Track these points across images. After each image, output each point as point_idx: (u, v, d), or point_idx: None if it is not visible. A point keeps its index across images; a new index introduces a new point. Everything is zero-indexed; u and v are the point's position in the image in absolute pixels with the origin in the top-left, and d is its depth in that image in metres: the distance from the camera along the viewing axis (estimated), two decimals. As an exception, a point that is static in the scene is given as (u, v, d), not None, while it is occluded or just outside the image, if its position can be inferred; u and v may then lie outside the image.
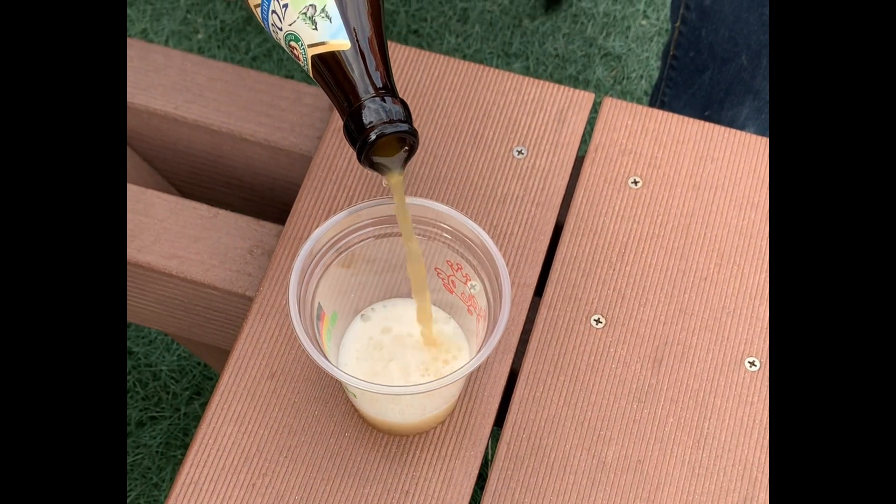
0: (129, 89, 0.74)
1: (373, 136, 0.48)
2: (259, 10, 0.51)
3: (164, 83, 0.74)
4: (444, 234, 0.55)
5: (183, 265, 0.67)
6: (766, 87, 0.89)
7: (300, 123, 0.72)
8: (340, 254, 0.55)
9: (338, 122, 0.68)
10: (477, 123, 0.68)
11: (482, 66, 0.70)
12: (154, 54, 0.76)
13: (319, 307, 0.55)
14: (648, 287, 0.62)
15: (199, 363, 1.08)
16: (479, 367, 0.60)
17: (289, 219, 0.65)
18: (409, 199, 0.54)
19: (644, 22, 1.27)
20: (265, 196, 0.78)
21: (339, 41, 0.48)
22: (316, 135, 0.72)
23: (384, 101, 0.48)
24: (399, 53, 0.71)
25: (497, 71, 0.70)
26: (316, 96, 0.73)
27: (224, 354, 0.73)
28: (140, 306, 0.72)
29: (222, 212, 0.69)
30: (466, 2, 1.29)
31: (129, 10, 1.30)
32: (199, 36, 1.29)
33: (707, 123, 0.66)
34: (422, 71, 0.70)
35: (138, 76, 0.75)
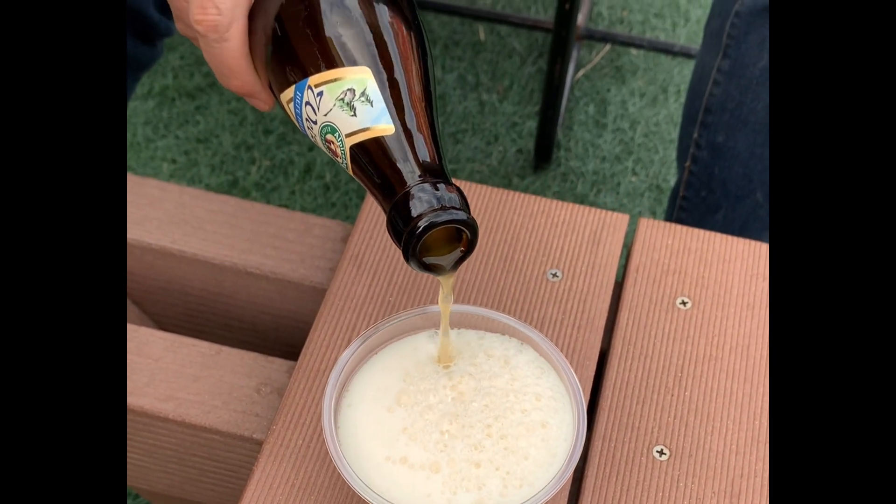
0: (121, 223, 0.68)
1: (421, 226, 0.42)
2: (292, 105, 0.46)
3: (160, 217, 0.69)
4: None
5: (180, 407, 0.59)
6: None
7: (310, 255, 0.67)
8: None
9: (353, 249, 0.63)
10: (506, 247, 0.63)
11: (506, 191, 0.66)
12: (149, 188, 0.71)
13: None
14: (714, 413, 0.55)
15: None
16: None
17: (303, 351, 0.59)
18: (475, 309, 0.48)
19: (633, 178, 1.27)
20: (268, 336, 0.71)
21: (382, 125, 0.43)
22: (328, 266, 0.66)
23: (436, 187, 0.42)
24: (417, 179, 0.66)
25: (522, 195, 0.66)
26: (326, 227, 0.68)
27: (220, 516, 0.64)
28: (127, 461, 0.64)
29: (225, 348, 0.62)
30: (455, 163, 1.28)
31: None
32: (180, 199, 1.24)
33: (753, 241, 0.62)
34: (442, 196, 0.66)
35: (131, 210, 0.69)
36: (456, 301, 0.60)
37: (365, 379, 0.49)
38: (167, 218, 0.69)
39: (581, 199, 1.24)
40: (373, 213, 0.65)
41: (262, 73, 0.47)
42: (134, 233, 0.68)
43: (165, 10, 0.78)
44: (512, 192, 0.66)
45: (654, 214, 1.23)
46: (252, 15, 0.47)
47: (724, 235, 0.63)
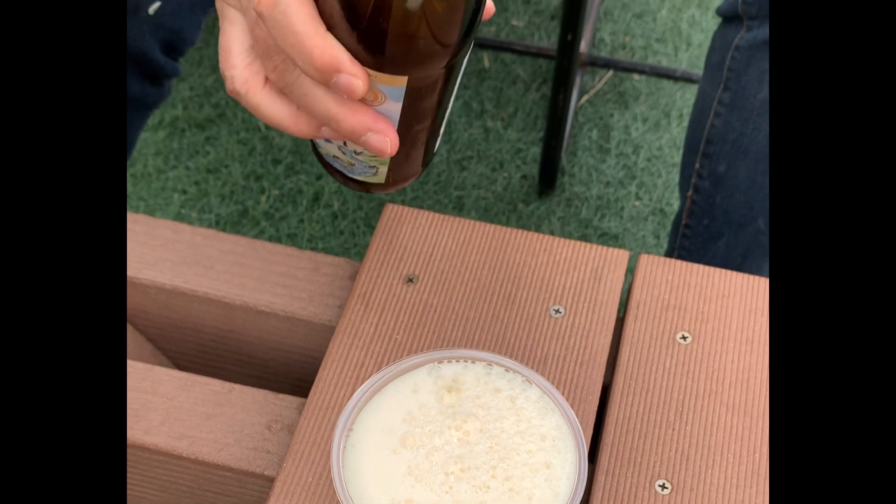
0: (134, 265, 0.70)
1: None
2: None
3: (173, 258, 0.71)
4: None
5: (194, 445, 0.61)
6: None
7: (319, 293, 0.69)
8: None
9: (361, 288, 0.65)
10: (508, 285, 0.65)
11: (509, 229, 0.67)
12: (161, 229, 0.72)
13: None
14: (714, 447, 0.56)
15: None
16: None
17: (313, 388, 0.60)
18: (475, 353, 0.49)
19: (637, 203, 1.28)
20: (279, 372, 0.73)
21: None
22: (337, 304, 0.68)
23: None
24: (422, 219, 0.68)
25: (525, 232, 0.67)
26: (334, 265, 0.70)
27: (234, 550, 0.65)
28: (141, 496, 0.65)
29: (237, 386, 0.64)
30: (461, 190, 1.30)
31: (118, 207, 1.28)
32: (191, 229, 1.26)
33: (752, 276, 0.64)
34: (447, 235, 0.67)
35: (144, 251, 0.71)
36: (462, 340, 0.61)
37: (368, 420, 0.50)
38: (179, 259, 0.71)
39: (585, 225, 1.26)
40: (380, 251, 0.66)
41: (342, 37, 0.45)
42: (148, 273, 0.70)
43: (171, 53, 0.80)
44: (514, 230, 0.67)
45: (657, 239, 1.25)
46: None
47: (724, 270, 0.64)
